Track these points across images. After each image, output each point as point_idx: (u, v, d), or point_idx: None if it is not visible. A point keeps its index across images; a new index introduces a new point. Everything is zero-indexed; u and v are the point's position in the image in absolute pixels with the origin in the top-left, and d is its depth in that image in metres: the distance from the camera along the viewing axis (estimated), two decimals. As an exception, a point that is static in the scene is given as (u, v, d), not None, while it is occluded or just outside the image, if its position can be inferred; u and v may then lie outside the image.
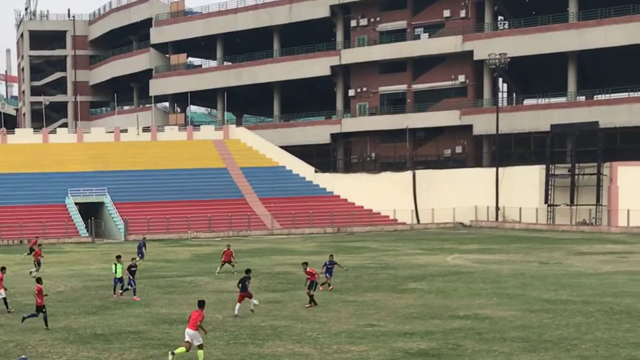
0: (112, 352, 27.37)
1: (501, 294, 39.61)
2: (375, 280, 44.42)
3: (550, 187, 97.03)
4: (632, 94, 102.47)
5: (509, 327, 30.54)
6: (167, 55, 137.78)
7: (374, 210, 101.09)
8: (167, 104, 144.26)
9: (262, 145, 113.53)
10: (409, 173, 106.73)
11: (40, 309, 32.06)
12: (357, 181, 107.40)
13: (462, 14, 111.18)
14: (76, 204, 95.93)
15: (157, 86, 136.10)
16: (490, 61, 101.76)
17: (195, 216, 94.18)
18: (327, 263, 41.94)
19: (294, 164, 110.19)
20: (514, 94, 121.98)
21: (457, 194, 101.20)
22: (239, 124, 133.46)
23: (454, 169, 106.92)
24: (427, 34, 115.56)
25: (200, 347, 25.73)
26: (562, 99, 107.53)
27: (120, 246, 77.89)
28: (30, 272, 51.81)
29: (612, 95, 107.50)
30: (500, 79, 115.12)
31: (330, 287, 41.55)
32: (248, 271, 36.35)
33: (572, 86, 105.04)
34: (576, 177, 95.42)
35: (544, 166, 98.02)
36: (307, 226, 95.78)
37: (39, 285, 32.49)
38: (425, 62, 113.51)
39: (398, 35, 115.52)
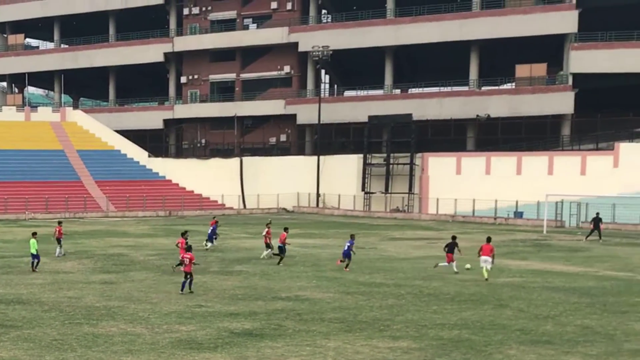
0: (-52, 333, 26.71)
1: (320, 277, 40.21)
2: (204, 262, 44.42)
3: (367, 176, 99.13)
4: (442, 89, 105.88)
5: (327, 309, 30.95)
6: (5, 35, 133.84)
7: (204, 195, 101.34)
8: (4, 84, 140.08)
9: (98, 128, 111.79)
10: (236, 160, 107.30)
11: (186, 275, 34.57)
12: (188, 166, 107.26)
13: (289, 6, 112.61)
14: None
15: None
16: (314, 53, 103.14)
17: (33, 197, 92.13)
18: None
19: (128, 148, 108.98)
20: (336, 86, 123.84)
21: (281, 180, 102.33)
22: (75, 106, 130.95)
23: (278, 157, 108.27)
24: (255, 24, 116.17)
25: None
26: (380, 92, 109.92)
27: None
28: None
29: (424, 89, 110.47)
30: (323, 71, 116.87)
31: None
32: (454, 237, 42.20)
33: (389, 79, 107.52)
34: (391, 166, 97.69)
35: (361, 155, 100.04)
36: (140, 209, 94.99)
37: (190, 253, 35.31)
38: (253, 52, 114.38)
39: (228, 25, 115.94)
